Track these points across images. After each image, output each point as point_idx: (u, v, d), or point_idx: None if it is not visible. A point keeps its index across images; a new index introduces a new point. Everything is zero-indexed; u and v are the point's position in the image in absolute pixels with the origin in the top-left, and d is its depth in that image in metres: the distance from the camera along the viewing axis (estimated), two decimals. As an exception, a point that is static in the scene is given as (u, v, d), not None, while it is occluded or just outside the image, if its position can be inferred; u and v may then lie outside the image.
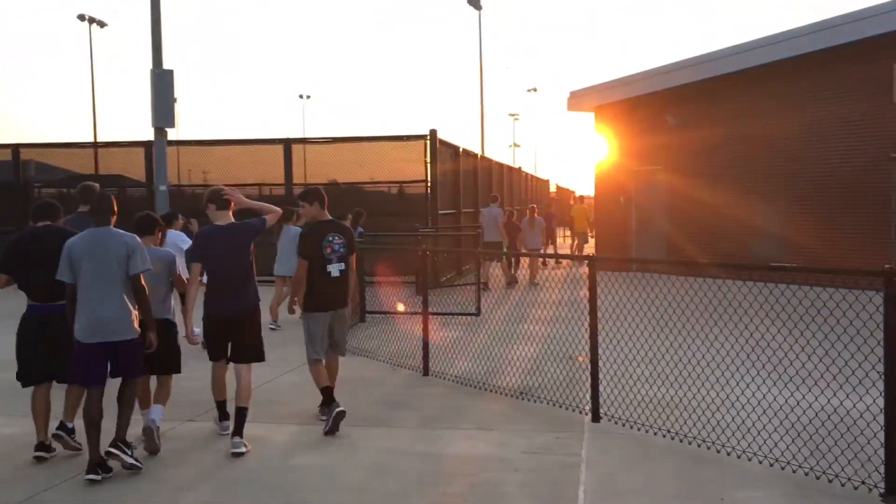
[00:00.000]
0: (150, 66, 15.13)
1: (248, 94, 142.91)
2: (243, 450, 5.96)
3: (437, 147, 17.29)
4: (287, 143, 18.70)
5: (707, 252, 16.88)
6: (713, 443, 5.79)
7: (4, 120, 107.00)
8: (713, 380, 7.04)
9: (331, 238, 6.72)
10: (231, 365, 6.33)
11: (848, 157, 15.55)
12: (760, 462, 5.43)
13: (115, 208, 5.68)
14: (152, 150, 16.05)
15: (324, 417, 6.67)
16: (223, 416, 6.53)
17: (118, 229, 5.65)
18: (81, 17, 45.05)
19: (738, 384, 7.14)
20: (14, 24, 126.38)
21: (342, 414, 6.45)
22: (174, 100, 15.32)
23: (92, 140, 24.76)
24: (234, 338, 6.23)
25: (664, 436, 6.09)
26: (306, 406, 7.23)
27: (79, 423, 5.78)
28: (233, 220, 6.36)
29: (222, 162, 18.90)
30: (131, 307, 5.55)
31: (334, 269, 6.71)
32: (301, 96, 75.67)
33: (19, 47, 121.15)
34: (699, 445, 5.82)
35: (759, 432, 5.87)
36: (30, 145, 20.25)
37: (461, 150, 19.75)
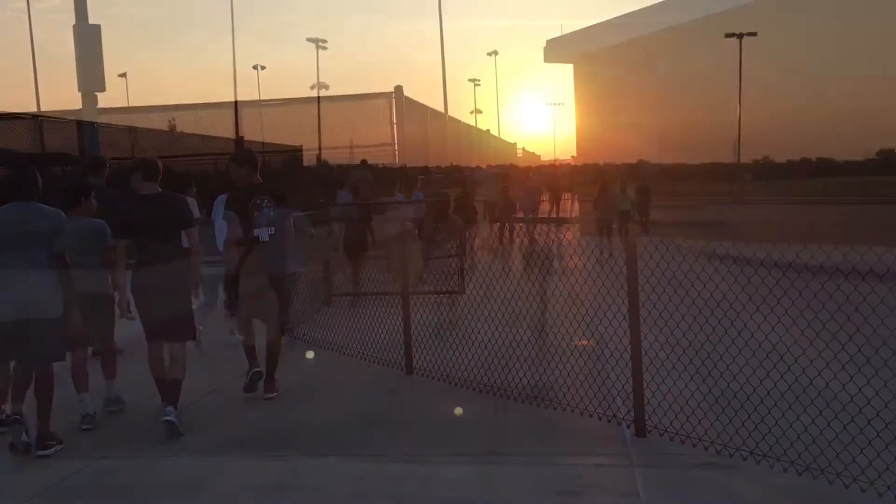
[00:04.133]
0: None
1: (202, 69, 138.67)
2: (174, 419, 5.52)
3: (404, 106, 15.67)
4: (237, 107, 16.84)
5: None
6: (824, 469, 4.22)
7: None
8: (777, 374, 5.40)
9: (258, 201, 6.39)
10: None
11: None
12: (879, 488, 3.93)
13: (40, 184, 5.39)
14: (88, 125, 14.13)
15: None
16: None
17: (42, 204, 5.37)
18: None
19: (815, 378, 4.87)
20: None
21: (259, 374, 6.39)
22: (101, 58, 13.40)
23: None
24: (164, 313, 5.81)
25: (744, 457, 4.54)
26: (263, 424, 5.72)
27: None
28: (160, 191, 5.97)
29: (175, 135, 17.16)
30: (54, 284, 5.22)
31: (262, 234, 6.38)
32: (255, 67, 72.02)
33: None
34: (800, 473, 4.26)
35: (845, 444, 4.34)
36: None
37: (429, 111, 18.08)
